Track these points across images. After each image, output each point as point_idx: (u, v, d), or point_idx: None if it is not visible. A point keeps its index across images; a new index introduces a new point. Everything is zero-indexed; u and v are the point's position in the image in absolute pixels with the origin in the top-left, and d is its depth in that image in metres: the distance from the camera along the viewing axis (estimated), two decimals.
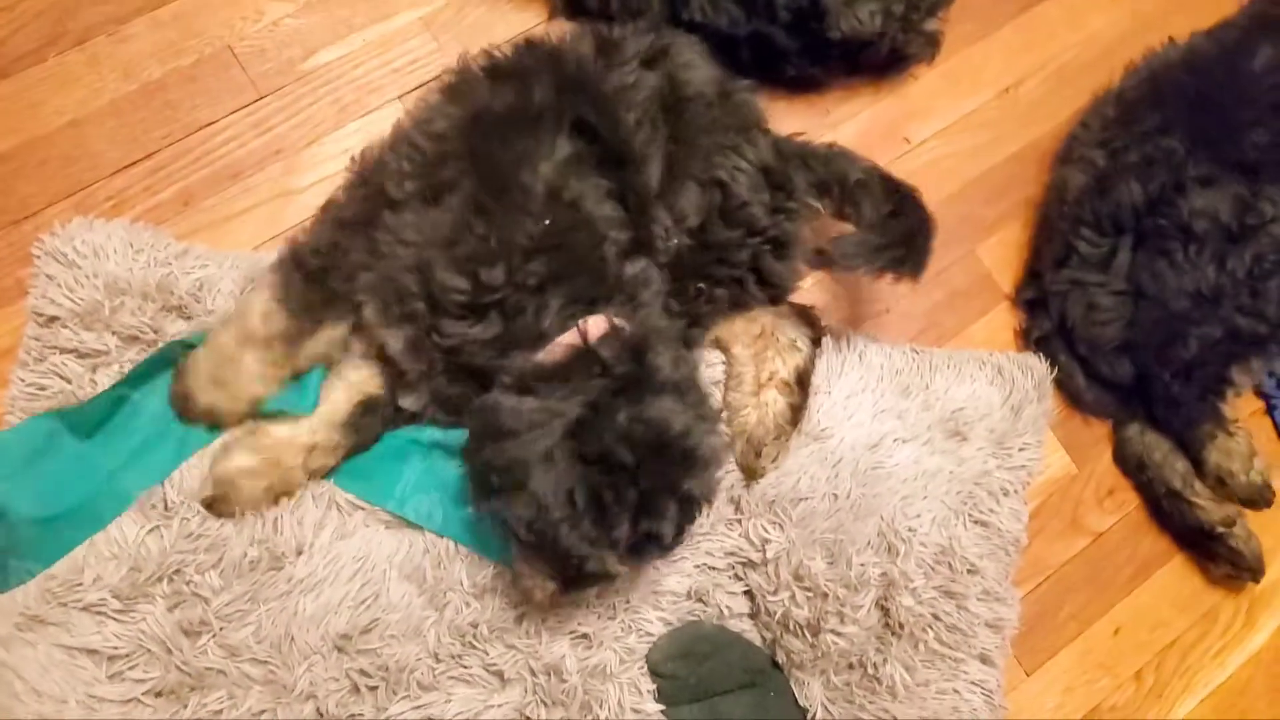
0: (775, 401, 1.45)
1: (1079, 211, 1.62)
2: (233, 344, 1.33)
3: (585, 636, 1.36)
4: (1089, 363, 1.60)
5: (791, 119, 1.71)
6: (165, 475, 1.34)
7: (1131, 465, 1.64)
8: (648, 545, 1.18)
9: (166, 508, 1.34)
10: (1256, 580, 1.58)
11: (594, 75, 1.39)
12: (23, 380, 1.39)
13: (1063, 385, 1.64)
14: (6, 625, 1.28)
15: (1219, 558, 1.59)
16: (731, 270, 1.44)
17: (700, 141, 1.41)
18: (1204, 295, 1.53)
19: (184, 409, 1.36)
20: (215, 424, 1.36)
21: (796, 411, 1.47)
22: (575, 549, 1.16)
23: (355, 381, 1.37)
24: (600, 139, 1.33)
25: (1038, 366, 1.58)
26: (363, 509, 1.39)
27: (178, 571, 1.32)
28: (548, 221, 1.25)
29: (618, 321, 1.24)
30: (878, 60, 1.73)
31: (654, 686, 1.37)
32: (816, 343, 1.53)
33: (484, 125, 1.32)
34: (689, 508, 1.19)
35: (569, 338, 1.23)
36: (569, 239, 1.26)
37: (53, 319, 1.40)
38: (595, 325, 1.23)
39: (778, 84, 1.71)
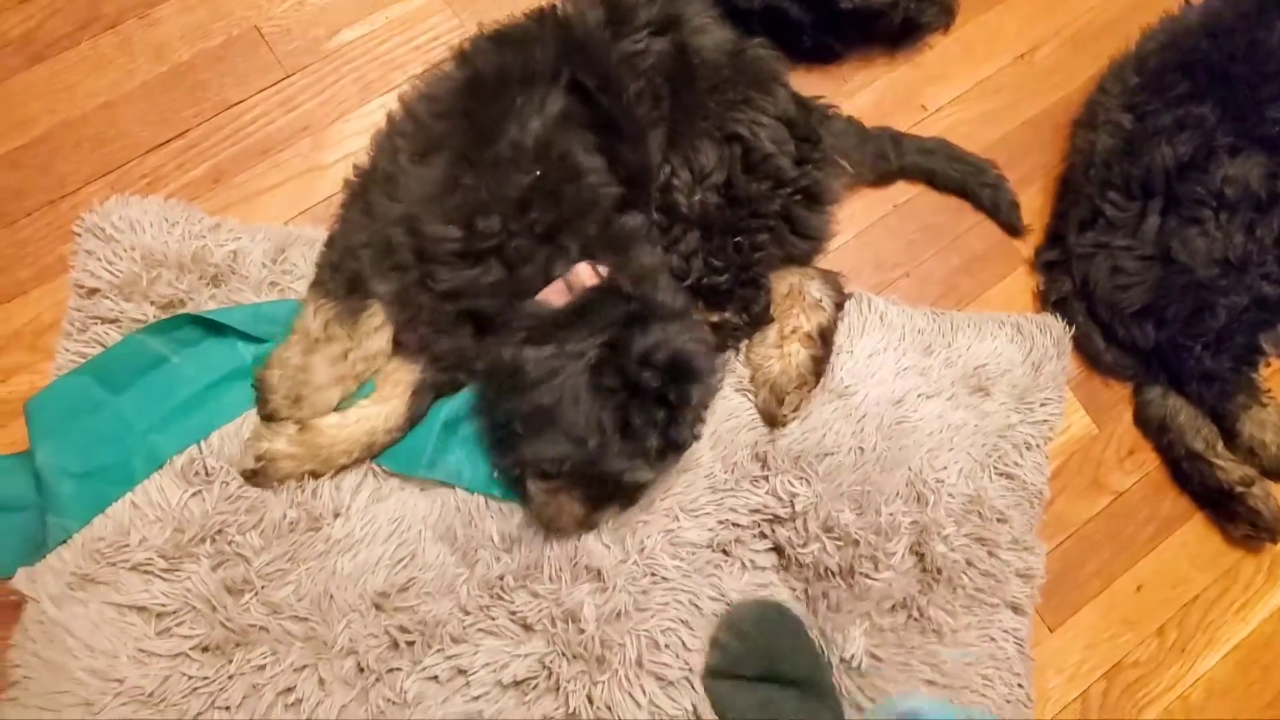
0: (798, 353, 1.48)
1: (1107, 174, 1.63)
2: (299, 354, 1.36)
3: (600, 576, 1.38)
4: (1108, 326, 1.62)
5: (808, 88, 1.71)
6: (198, 439, 1.38)
7: (1153, 427, 1.65)
8: (671, 451, 1.29)
9: (207, 473, 1.38)
10: (1274, 540, 1.60)
11: (599, 41, 1.42)
12: (67, 350, 1.43)
13: (1081, 347, 1.66)
14: (58, 584, 1.32)
15: (1238, 517, 1.60)
16: (765, 221, 1.46)
17: (710, 102, 1.44)
18: (1231, 263, 1.54)
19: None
20: None
21: (819, 363, 1.49)
22: (613, 468, 1.25)
23: (403, 377, 1.39)
24: (595, 102, 1.37)
25: (1055, 325, 1.61)
26: (395, 477, 1.42)
27: (220, 532, 1.36)
28: (538, 173, 1.30)
29: (601, 268, 1.29)
30: (892, 30, 1.75)
31: (707, 652, 1.38)
32: (840, 305, 1.55)
33: (477, 85, 1.38)
34: (701, 411, 1.30)
35: (556, 288, 1.29)
36: (563, 190, 1.31)
37: (93, 291, 1.44)
38: (582, 273, 1.28)
39: (794, 55, 1.72)
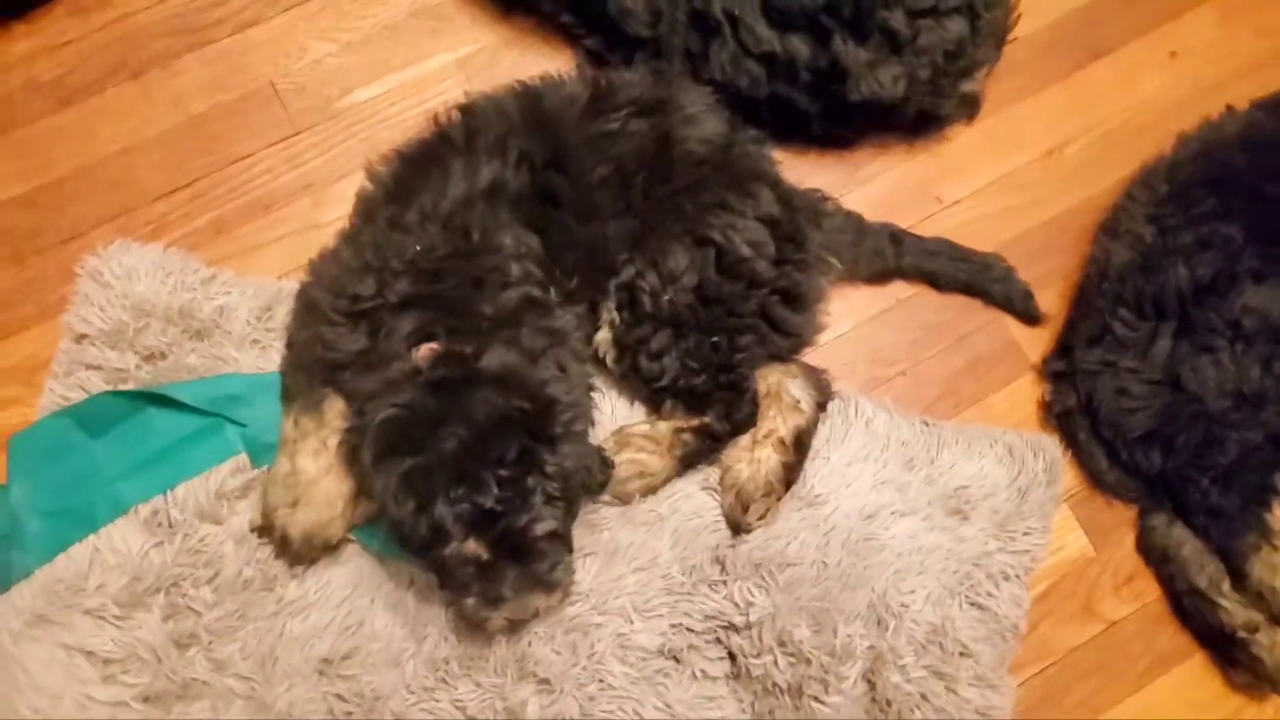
0: (769, 459, 1.44)
1: (1120, 289, 1.55)
2: (285, 461, 1.36)
3: (547, 682, 1.37)
4: (1112, 446, 1.54)
5: (819, 175, 1.69)
6: (162, 490, 1.41)
7: (1155, 556, 1.56)
8: (487, 523, 1.20)
9: (170, 524, 1.41)
10: (1278, 692, 1.49)
11: (566, 117, 1.41)
12: (53, 390, 1.48)
13: (1084, 465, 1.58)
14: (18, 621, 1.36)
15: (1239, 663, 1.50)
16: (741, 321, 1.43)
17: (685, 203, 1.41)
18: (1246, 397, 1.46)
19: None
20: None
21: (790, 471, 1.45)
22: (420, 545, 1.21)
23: None
24: (541, 180, 1.37)
25: (1051, 449, 1.53)
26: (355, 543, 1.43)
27: (175, 585, 1.38)
28: (418, 246, 1.31)
29: (455, 347, 1.26)
30: (907, 121, 1.70)
31: None
32: (822, 406, 1.51)
33: (421, 152, 1.41)
34: (506, 466, 1.19)
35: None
36: (447, 264, 1.31)
37: (83, 336, 1.49)
38: (427, 352, 1.26)
39: (805, 141, 1.69)
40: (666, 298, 1.38)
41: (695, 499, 1.46)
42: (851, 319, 1.66)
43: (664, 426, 1.44)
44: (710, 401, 1.42)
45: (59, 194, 1.62)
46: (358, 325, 1.30)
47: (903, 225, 1.67)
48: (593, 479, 1.33)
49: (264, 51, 1.70)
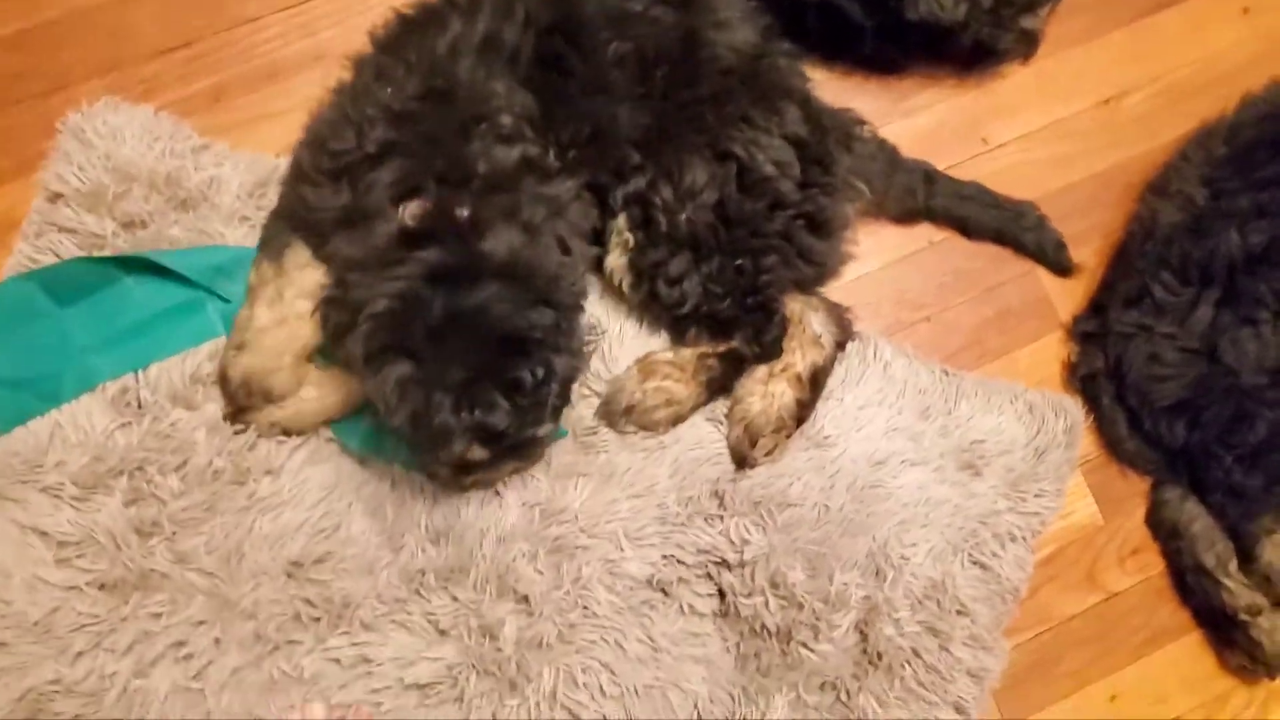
0: (783, 394, 1.36)
1: (1165, 252, 1.47)
2: (244, 308, 1.30)
3: (526, 601, 1.30)
4: (1136, 414, 1.47)
5: (861, 100, 1.57)
6: (136, 368, 1.32)
7: (1164, 530, 1.50)
8: (493, 438, 1.13)
9: (139, 405, 1.32)
10: (1272, 677, 1.45)
11: None
12: (21, 251, 1.37)
13: (1103, 431, 1.51)
14: None
15: (1237, 645, 1.45)
16: (765, 242, 1.34)
17: (708, 113, 1.32)
18: None
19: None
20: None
21: (803, 409, 1.37)
22: (419, 443, 1.16)
23: None
24: (546, 42, 1.27)
25: (1072, 410, 1.45)
26: (336, 441, 1.35)
27: (140, 469, 1.30)
28: (390, 89, 1.21)
29: (447, 205, 1.15)
30: (962, 51, 1.58)
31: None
32: (841, 345, 1.43)
33: (421, 13, 1.31)
34: (524, 392, 1.12)
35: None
36: (425, 107, 1.21)
37: (58, 196, 1.38)
38: (415, 208, 1.16)
39: (852, 59, 1.58)
40: (684, 216, 1.29)
41: (699, 429, 1.38)
42: (879, 258, 1.57)
43: (688, 353, 1.36)
44: (737, 325, 1.34)
45: (46, 39, 1.50)
46: (338, 181, 1.20)
47: (945, 164, 1.58)
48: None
49: None
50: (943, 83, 1.64)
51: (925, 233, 1.58)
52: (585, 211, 1.30)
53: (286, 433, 1.34)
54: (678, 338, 1.40)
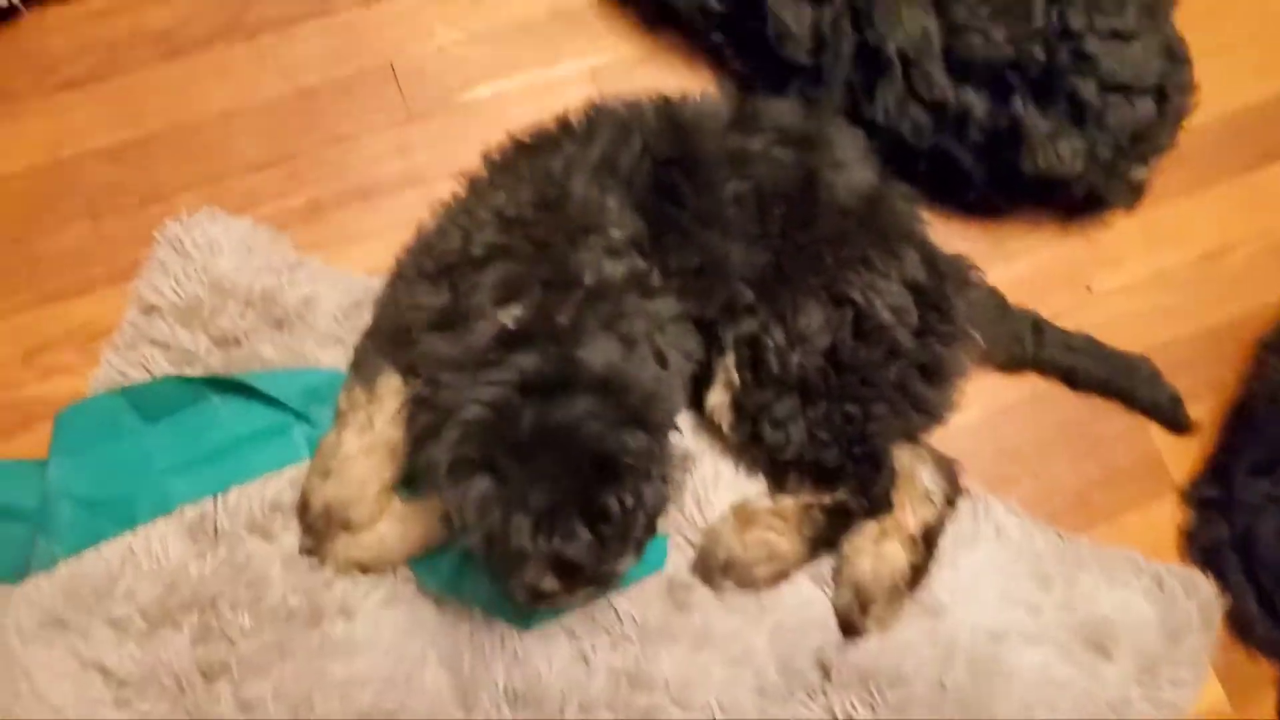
0: (896, 555, 1.28)
1: None
2: (331, 434, 1.26)
3: None
4: (1269, 594, 1.37)
5: (961, 243, 1.53)
6: (214, 492, 1.26)
7: None
8: (570, 569, 1.07)
9: (216, 533, 1.25)
10: None
11: (705, 126, 1.30)
12: (111, 364, 1.33)
13: (1230, 610, 1.40)
14: (31, 620, 1.21)
15: None
16: (877, 390, 1.28)
17: (826, 255, 1.28)
18: None
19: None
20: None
21: (917, 572, 1.29)
22: (491, 565, 1.10)
23: None
24: (663, 172, 1.25)
25: (1205, 589, 1.35)
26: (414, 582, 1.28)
27: (212, 604, 1.23)
28: (520, 196, 1.20)
29: (548, 310, 1.11)
30: (1070, 200, 1.55)
31: None
32: (951, 502, 1.35)
33: (531, 137, 1.32)
34: (609, 522, 1.05)
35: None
36: (538, 214, 1.20)
37: (153, 308, 1.35)
38: (516, 309, 1.12)
39: (953, 202, 1.55)
40: (795, 359, 1.24)
41: (802, 589, 1.29)
42: (979, 407, 1.50)
43: (791, 502, 1.29)
44: (843, 476, 1.27)
45: (148, 151, 1.49)
46: (439, 282, 1.18)
47: (1047, 311, 1.52)
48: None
49: (388, 30, 1.56)
50: (1045, 229, 1.60)
51: (1028, 382, 1.52)
52: (686, 334, 1.25)
53: (364, 569, 1.27)
54: (778, 485, 1.33)
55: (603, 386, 1.07)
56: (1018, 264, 1.58)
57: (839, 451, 1.26)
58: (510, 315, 1.11)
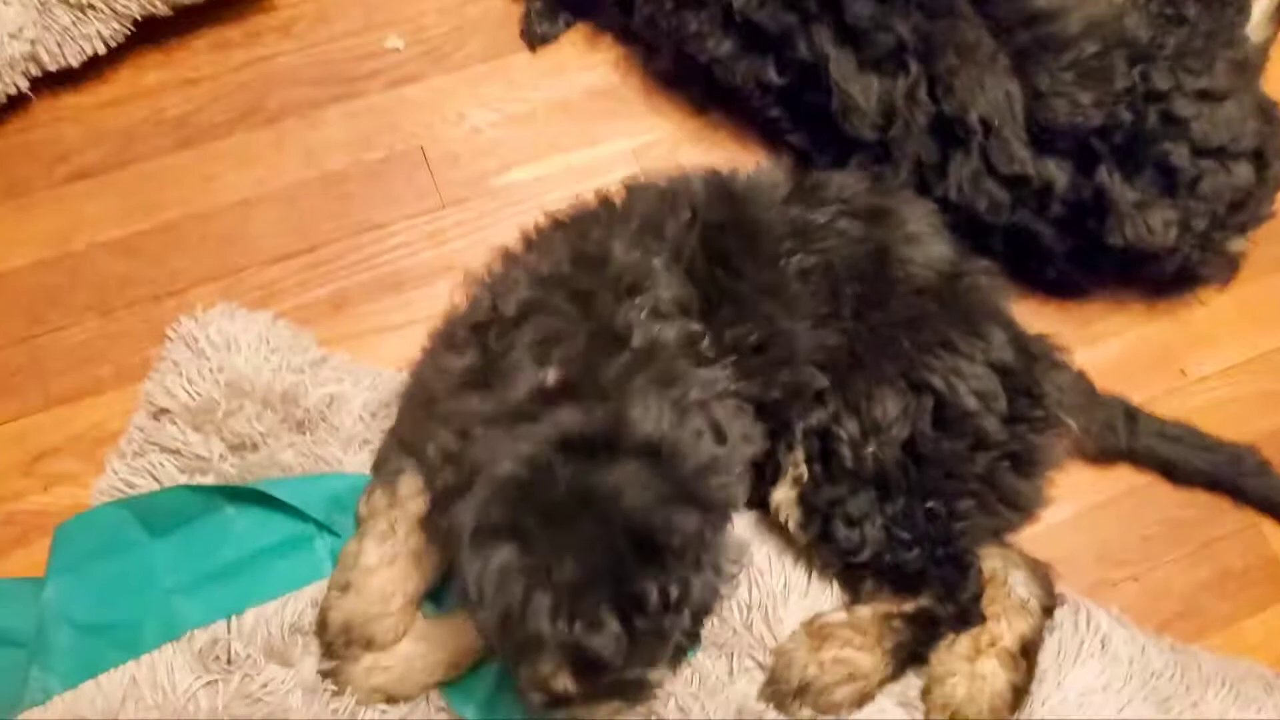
0: (994, 675, 1.13)
1: None
2: (353, 542, 1.14)
3: None
4: None
5: (1041, 325, 1.40)
6: (229, 614, 1.13)
7: None
8: (591, 667, 0.90)
9: (229, 660, 1.12)
10: None
11: (762, 197, 1.20)
12: (115, 472, 1.22)
13: None
14: None
15: None
16: (962, 485, 1.15)
17: (902, 338, 1.16)
18: None
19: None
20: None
21: (1018, 694, 1.14)
22: (505, 651, 0.95)
23: None
24: (719, 240, 1.14)
25: None
26: (448, 714, 1.13)
27: None
28: (556, 255, 1.11)
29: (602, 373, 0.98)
30: (1160, 277, 1.43)
31: None
32: (1049, 611, 1.20)
33: (569, 215, 1.22)
34: (644, 613, 0.89)
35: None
36: (577, 272, 1.09)
37: (163, 411, 1.24)
38: (558, 364, 0.99)
39: (1031, 282, 1.43)
40: (870, 450, 1.11)
41: (886, 714, 1.14)
42: (1073, 504, 1.35)
43: (867, 612, 1.15)
44: (926, 580, 1.13)
45: (162, 242, 1.40)
46: (469, 344, 1.06)
47: (1138, 397, 1.39)
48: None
49: (418, 113, 1.49)
50: (1132, 308, 1.48)
51: (1125, 476, 1.38)
52: (743, 416, 1.10)
53: (391, 700, 1.12)
54: (852, 591, 1.19)
55: (652, 452, 0.93)
56: (1104, 347, 1.45)
57: (921, 553, 1.13)
58: (550, 372, 0.98)
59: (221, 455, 1.21)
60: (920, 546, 1.13)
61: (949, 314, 1.19)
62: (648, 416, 0.95)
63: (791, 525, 1.17)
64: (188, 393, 1.23)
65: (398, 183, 1.46)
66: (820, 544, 1.16)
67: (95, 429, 1.30)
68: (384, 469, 1.15)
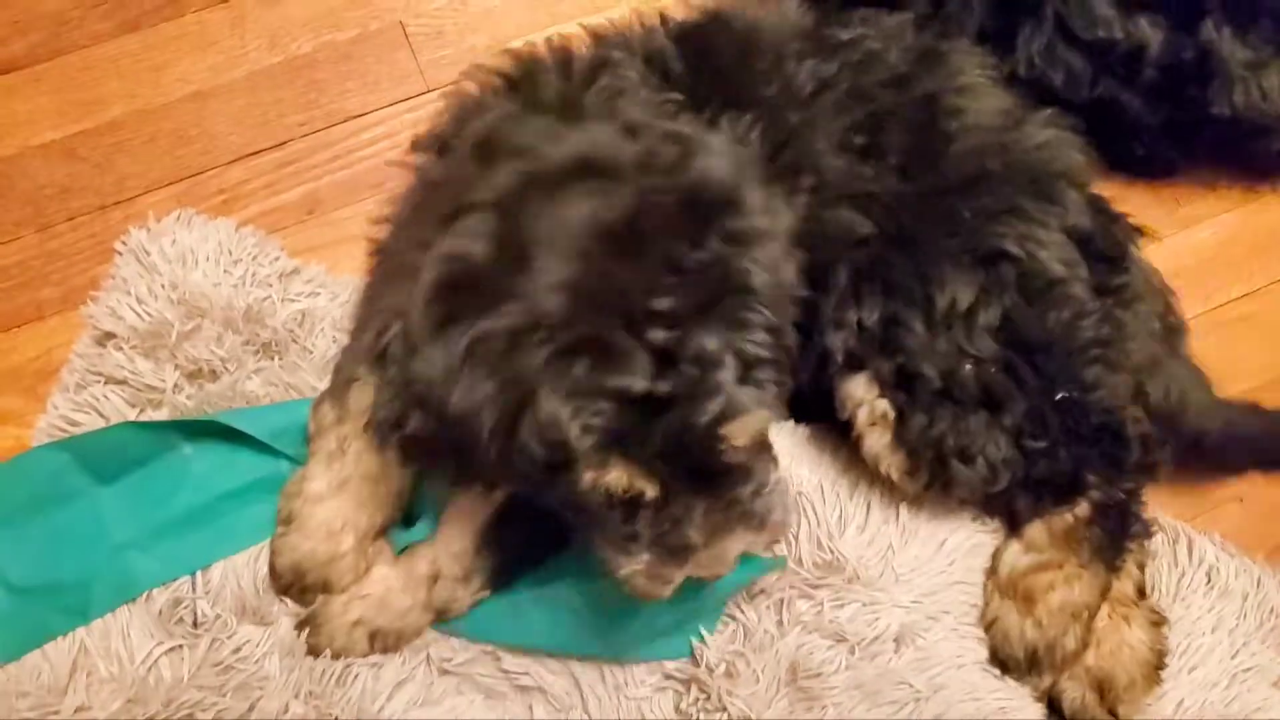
0: (1133, 631, 0.99)
1: None
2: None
3: None
4: None
5: (1124, 206, 1.22)
6: (193, 569, 0.99)
7: None
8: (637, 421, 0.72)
9: (195, 623, 0.97)
10: None
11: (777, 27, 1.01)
12: (55, 408, 1.07)
13: None
14: None
15: None
16: (1086, 355, 0.98)
17: (960, 206, 0.97)
18: None
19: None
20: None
21: (1160, 648, 1.00)
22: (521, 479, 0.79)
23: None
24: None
25: None
26: (455, 674, 0.97)
27: (190, 716, 0.93)
28: None
29: None
30: (1269, 153, 1.23)
31: None
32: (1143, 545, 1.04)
33: None
34: (682, 326, 0.72)
35: None
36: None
37: (109, 336, 1.08)
38: None
39: (1116, 160, 1.23)
40: (968, 368, 0.93)
41: (969, 677, 0.98)
42: None
43: (1043, 536, 0.99)
44: (1086, 472, 0.97)
45: (106, 144, 1.24)
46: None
47: (1239, 289, 1.24)
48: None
49: None
50: (1226, 191, 1.29)
51: (1226, 380, 1.18)
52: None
53: (378, 640, 0.97)
54: (1004, 515, 1.03)
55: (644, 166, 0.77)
56: (1196, 232, 1.28)
57: (1068, 450, 0.96)
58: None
59: (176, 385, 1.05)
60: (1065, 445, 0.96)
61: (1014, 175, 1.00)
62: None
63: (895, 476, 0.99)
64: (136, 313, 1.07)
65: (374, 65, 1.28)
66: (941, 488, 0.98)
67: (37, 361, 1.15)
68: (336, 379, 0.99)
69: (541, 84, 0.92)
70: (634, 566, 0.81)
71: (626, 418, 0.71)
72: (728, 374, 0.73)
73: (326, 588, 0.97)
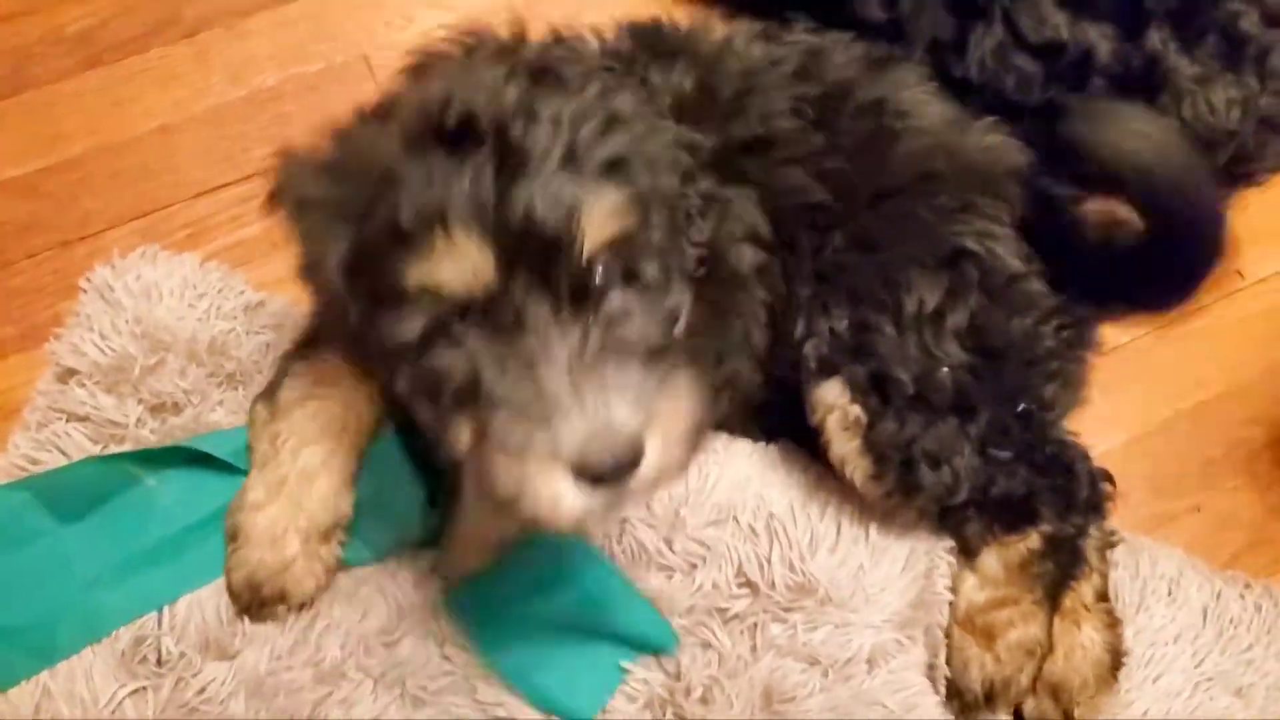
0: (1089, 636, 1.01)
1: None
2: None
3: None
4: None
5: None
6: (159, 605, 0.97)
7: None
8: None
9: (159, 661, 0.96)
10: None
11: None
12: (17, 447, 1.06)
13: None
14: None
15: None
16: (1046, 368, 1.02)
17: (914, 205, 1.00)
18: None
19: None
20: None
21: (1116, 653, 1.01)
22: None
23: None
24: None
25: None
26: (431, 705, 0.96)
27: None
28: None
29: None
30: (1211, 164, 1.25)
31: None
32: (1104, 555, 1.06)
33: None
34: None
35: None
36: None
37: (71, 372, 1.07)
38: None
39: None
40: (944, 371, 0.94)
41: (909, 680, 0.98)
42: (1122, 430, 1.21)
43: (998, 569, 1.00)
44: (1039, 500, 0.99)
45: (69, 180, 1.24)
46: None
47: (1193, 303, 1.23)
48: None
49: (358, 16, 1.33)
50: None
51: (1184, 391, 1.22)
52: None
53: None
54: (955, 536, 1.03)
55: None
56: None
57: (1025, 471, 0.98)
58: None
59: (139, 419, 1.04)
60: (1022, 462, 0.97)
61: (962, 175, 1.03)
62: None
63: (859, 479, 0.99)
64: (99, 348, 1.06)
65: (339, 99, 1.28)
66: (903, 496, 0.98)
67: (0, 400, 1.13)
68: (271, 380, 1.00)
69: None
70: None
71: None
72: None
73: (284, 598, 0.96)
